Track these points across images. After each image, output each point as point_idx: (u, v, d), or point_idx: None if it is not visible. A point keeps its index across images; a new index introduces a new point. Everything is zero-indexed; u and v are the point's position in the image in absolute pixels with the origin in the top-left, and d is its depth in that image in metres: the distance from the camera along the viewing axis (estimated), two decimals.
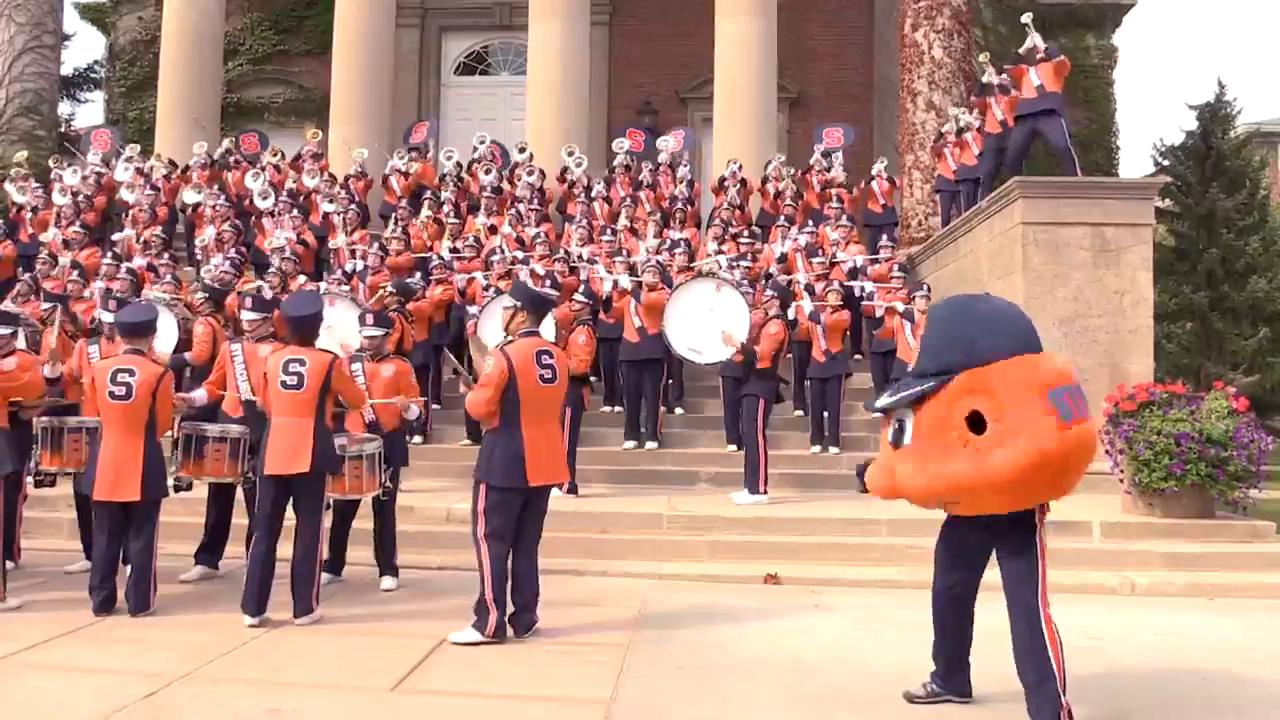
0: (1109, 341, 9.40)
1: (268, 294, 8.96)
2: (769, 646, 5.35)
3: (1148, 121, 61.95)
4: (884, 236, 12.80)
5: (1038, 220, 9.57)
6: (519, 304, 5.50)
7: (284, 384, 5.66)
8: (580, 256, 11.65)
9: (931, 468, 3.93)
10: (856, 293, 11.07)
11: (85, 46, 67.46)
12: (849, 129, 15.80)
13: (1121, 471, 7.95)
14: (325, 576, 6.38)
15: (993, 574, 4.25)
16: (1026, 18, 11.18)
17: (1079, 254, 9.49)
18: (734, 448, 9.62)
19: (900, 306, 9.94)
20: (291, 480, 5.64)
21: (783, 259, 11.91)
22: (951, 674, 4.40)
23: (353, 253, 11.88)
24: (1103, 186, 10.12)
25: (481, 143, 15.19)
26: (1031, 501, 3.99)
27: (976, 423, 3.89)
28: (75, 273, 10.98)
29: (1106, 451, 8.09)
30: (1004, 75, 11.82)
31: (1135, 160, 57.66)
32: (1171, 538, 7.54)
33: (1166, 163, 19.17)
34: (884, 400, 4.15)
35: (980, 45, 18.22)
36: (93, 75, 23.10)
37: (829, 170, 14.25)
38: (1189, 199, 18.39)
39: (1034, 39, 10.86)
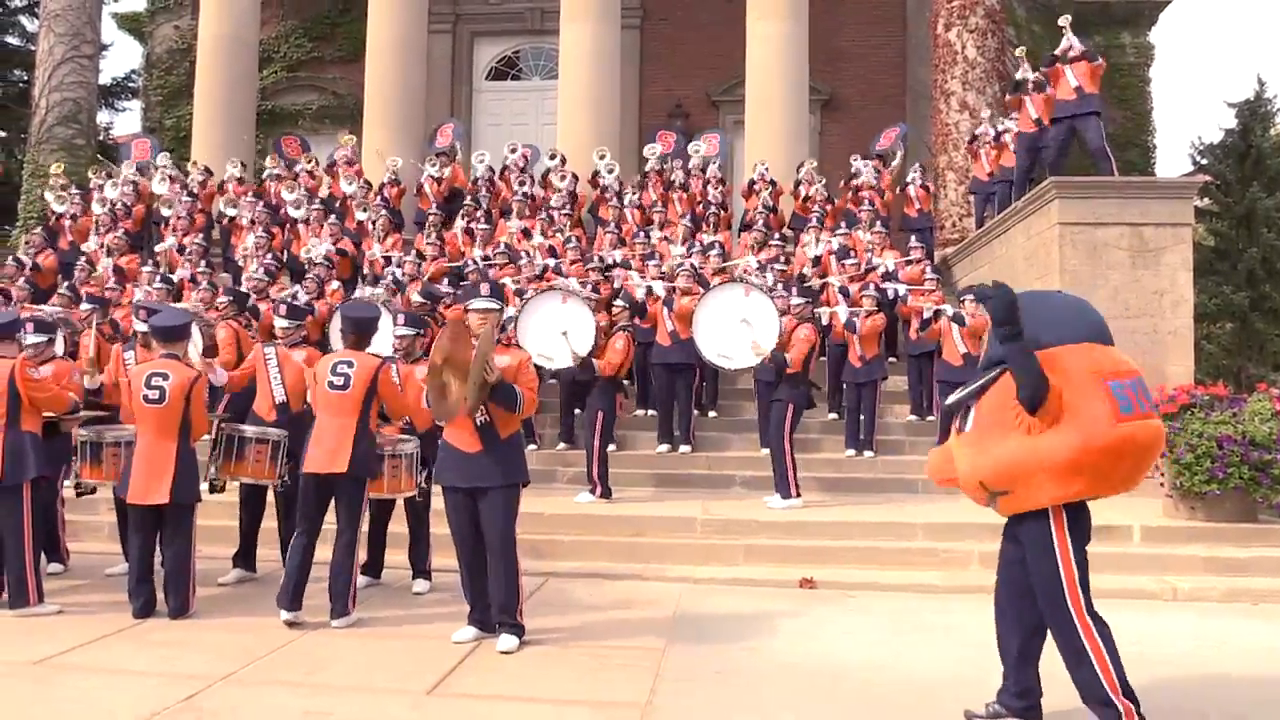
0: (1148, 343, 9.28)
1: (302, 299, 9.06)
2: (806, 651, 5.32)
3: (1185, 120, 61.14)
4: (913, 237, 12.72)
5: (1074, 220, 9.47)
6: (501, 307, 5.52)
7: (330, 384, 5.75)
8: (614, 261, 11.65)
9: (987, 453, 3.91)
10: (890, 295, 11.00)
11: (123, 56, 68.35)
12: (904, 125, 15.73)
13: (1162, 475, 7.84)
14: (363, 579, 6.42)
15: None
16: (1064, 20, 11.08)
17: (1117, 254, 9.38)
18: (768, 451, 9.57)
19: (949, 309, 9.87)
20: (331, 480, 5.70)
21: (817, 262, 11.87)
22: (1019, 694, 4.13)
23: (388, 260, 11.95)
24: (1141, 186, 10.00)
25: (513, 151, 15.22)
26: (1080, 493, 3.86)
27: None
28: (115, 278, 11.15)
29: None
30: (1040, 74, 11.70)
31: (1173, 159, 56.92)
32: (1213, 542, 7.42)
33: (1205, 161, 18.97)
34: (955, 397, 4.15)
35: (1014, 44, 18.08)
36: (130, 84, 23.49)
37: (859, 176, 14.14)
38: (1228, 198, 18.19)
39: (1070, 39, 10.75)
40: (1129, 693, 3.87)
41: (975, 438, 3.99)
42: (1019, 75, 12.25)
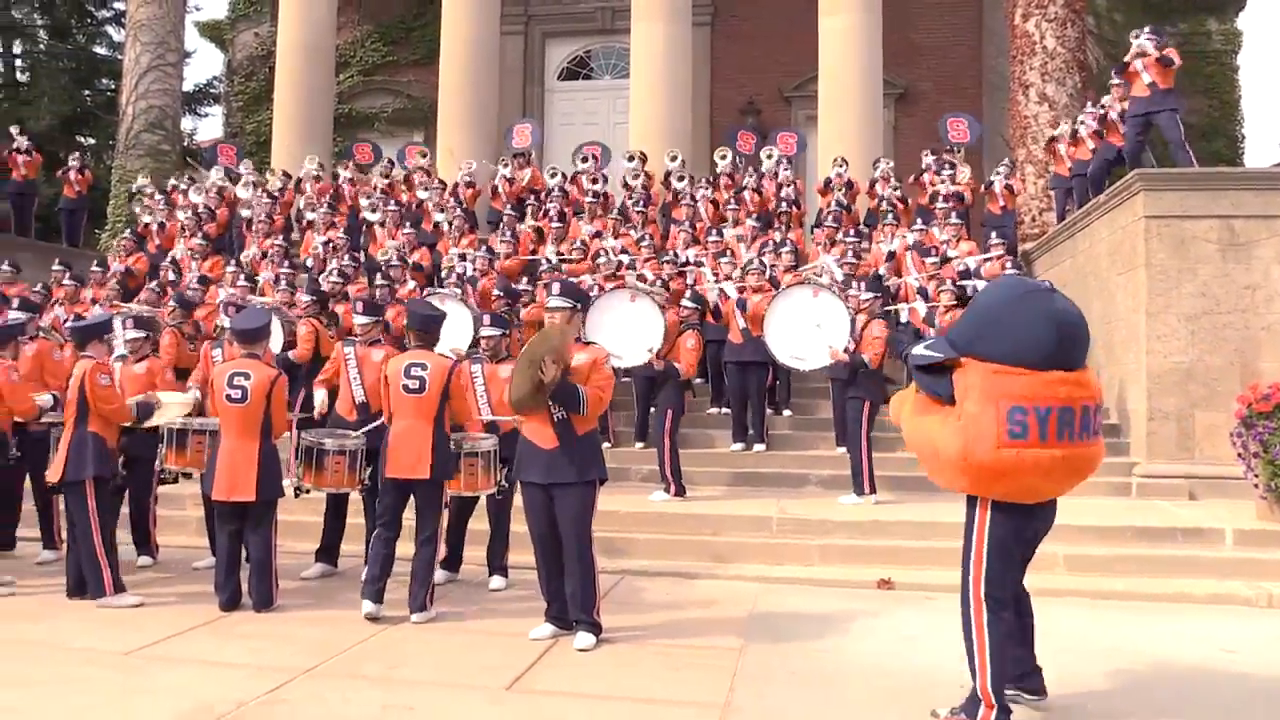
0: (1239, 339, 8.98)
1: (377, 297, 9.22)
2: (885, 653, 5.25)
3: (1276, 108, 58.97)
4: (994, 234, 12.49)
5: (1161, 213, 9.19)
6: (578, 304, 5.53)
7: (406, 388, 5.81)
8: (687, 260, 11.63)
9: (915, 418, 4.13)
10: (969, 292, 10.80)
11: (205, 63, 70.35)
12: (975, 122, 15.41)
13: (1256, 476, 7.58)
14: (442, 574, 6.49)
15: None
16: (1134, 35, 10.82)
17: (1206, 248, 9.08)
18: (843, 450, 9.46)
19: None
20: (412, 484, 5.78)
21: (891, 257, 11.72)
22: (1022, 676, 4.18)
23: (462, 257, 12.08)
24: (1231, 177, 9.67)
25: (582, 160, 15.16)
26: (966, 490, 3.99)
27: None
28: (197, 281, 11.45)
29: (1239, 455, 7.73)
30: (1119, 84, 11.45)
31: (1262, 149, 54.83)
32: None
33: None
34: (921, 350, 4.18)
35: (1094, 34, 17.64)
36: (212, 90, 24.12)
37: (939, 171, 13.89)
38: None
39: (1138, 44, 10.52)
40: (1000, 696, 3.91)
41: (917, 402, 4.15)
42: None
